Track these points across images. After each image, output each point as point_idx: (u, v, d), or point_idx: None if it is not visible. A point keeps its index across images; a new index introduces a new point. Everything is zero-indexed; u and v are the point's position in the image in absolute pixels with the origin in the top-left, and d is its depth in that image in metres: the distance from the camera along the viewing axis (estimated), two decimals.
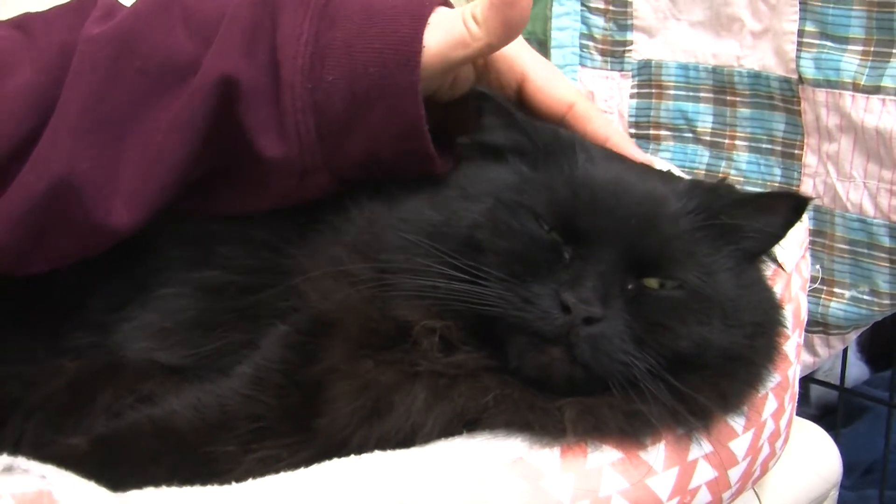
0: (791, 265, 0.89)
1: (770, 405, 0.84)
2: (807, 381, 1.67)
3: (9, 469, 0.54)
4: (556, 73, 0.86)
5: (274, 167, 0.80)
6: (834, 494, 1.17)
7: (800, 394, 1.73)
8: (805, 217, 0.91)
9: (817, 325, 1.37)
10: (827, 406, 1.78)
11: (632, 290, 0.72)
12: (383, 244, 0.76)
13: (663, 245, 0.72)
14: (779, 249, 0.81)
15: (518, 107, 0.83)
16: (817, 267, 1.30)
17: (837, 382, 1.59)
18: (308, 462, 0.70)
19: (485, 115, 0.80)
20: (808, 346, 1.41)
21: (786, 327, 0.81)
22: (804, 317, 0.91)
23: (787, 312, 0.87)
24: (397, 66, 0.76)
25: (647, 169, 0.81)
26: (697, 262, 0.73)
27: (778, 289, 0.86)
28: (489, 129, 0.80)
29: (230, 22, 0.78)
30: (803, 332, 0.93)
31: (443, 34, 0.77)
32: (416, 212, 0.77)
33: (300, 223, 0.84)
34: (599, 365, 0.70)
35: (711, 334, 0.72)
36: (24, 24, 0.79)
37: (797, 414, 1.02)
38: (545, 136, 0.78)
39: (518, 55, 0.84)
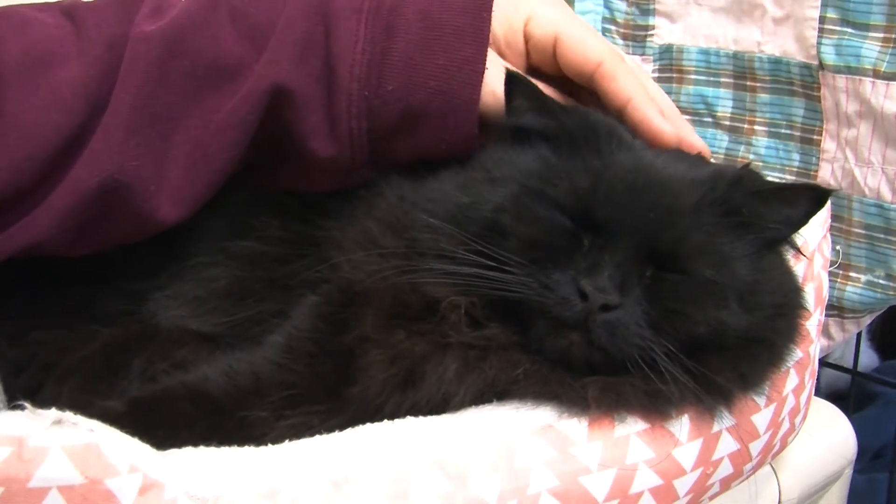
0: (813, 244, 0.89)
1: (791, 381, 0.85)
2: (819, 364, 1.67)
3: (58, 422, 0.55)
4: (588, 31, 0.85)
5: (321, 165, 0.82)
6: (848, 472, 1.18)
7: None
8: (833, 185, 0.92)
9: (832, 308, 1.37)
10: (837, 392, 1.77)
11: (649, 277, 0.73)
12: (412, 222, 0.77)
13: (680, 239, 0.73)
14: (800, 232, 0.82)
15: (549, 75, 0.84)
16: (837, 248, 1.30)
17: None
18: (340, 428, 0.71)
19: (515, 97, 0.80)
20: (823, 330, 1.41)
21: (807, 309, 0.82)
22: (825, 295, 0.92)
23: (809, 290, 0.88)
24: (460, 84, 0.78)
25: (675, 155, 0.81)
26: (715, 252, 0.73)
27: (800, 268, 0.87)
28: (519, 112, 0.80)
29: (283, 31, 0.79)
30: (824, 311, 0.93)
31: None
32: (443, 192, 0.78)
33: (333, 197, 0.85)
34: (617, 349, 0.71)
35: (729, 318, 0.73)
36: (73, 13, 0.79)
37: None
38: (574, 122, 0.78)
39: (551, 16, 0.84)
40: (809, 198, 0.77)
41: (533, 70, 0.86)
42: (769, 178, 1.01)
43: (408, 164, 0.83)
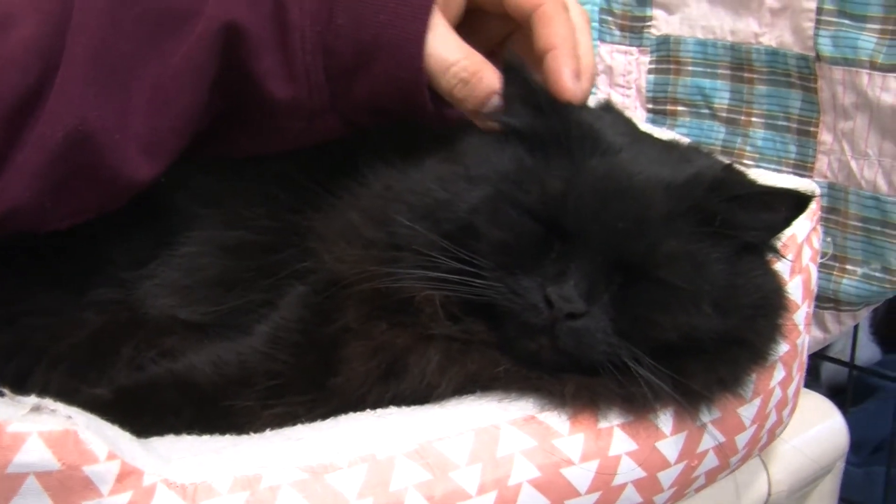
0: (802, 236, 0.90)
1: (778, 374, 0.86)
2: (817, 358, 1.67)
3: (36, 408, 0.55)
4: None
5: (283, 109, 0.82)
6: (840, 465, 1.18)
7: (809, 371, 1.74)
8: (816, 190, 0.92)
9: (829, 301, 1.37)
10: (837, 386, 1.78)
11: (618, 285, 0.73)
12: (391, 218, 0.77)
13: (650, 249, 0.72)
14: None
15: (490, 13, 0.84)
16: (828, 240, 1.30)
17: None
18: (324, 418, 0.72)
19: (506, 84, 0.80)
20: (820, 323, 1.41)
21: (788, 309, 0.81)
22: (814, 287, 0.92)
23: (797, 283, 0.88)
24: (407, 17, 0.78)
25: (659, 152, 0.80)
26: (687, 260, 0.73)
27: (788, 259, 0.87)
28: (507, 101, 0.80)
29: None
30: (813, 303, 0.93)
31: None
32: (424, 185, 0.78)
33: (320, 186, 0.85)
34: (583, 355, 0.71)
35: (703, 323, 0.72)
36: None
37: (807, 388, 1.03)
38: (558, 119, 0.77)
39: None
40: (790, 203, 0.76)
41: (475, 7, 0.86)
42: (764, 170, 1.02)
43: (370, 111, 0.83)
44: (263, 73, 0.80)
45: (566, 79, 0.80)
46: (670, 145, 0.85)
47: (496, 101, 0.80)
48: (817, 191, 0.92)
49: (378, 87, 0.81)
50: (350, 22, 0.79)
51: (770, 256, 0.80)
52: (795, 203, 0.76)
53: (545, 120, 0.77)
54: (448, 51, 0.80)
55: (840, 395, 1.55)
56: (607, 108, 0.89)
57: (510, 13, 0.84)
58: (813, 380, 1.79)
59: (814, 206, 0.91)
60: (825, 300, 1.37)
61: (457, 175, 0.78)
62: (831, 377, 1.84)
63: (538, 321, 0.71)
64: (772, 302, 0.79)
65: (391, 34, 0.79)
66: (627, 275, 0.72)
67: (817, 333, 1.42)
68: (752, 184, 0.78)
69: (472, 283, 0.72)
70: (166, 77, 0.78)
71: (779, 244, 0.81)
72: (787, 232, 0.85)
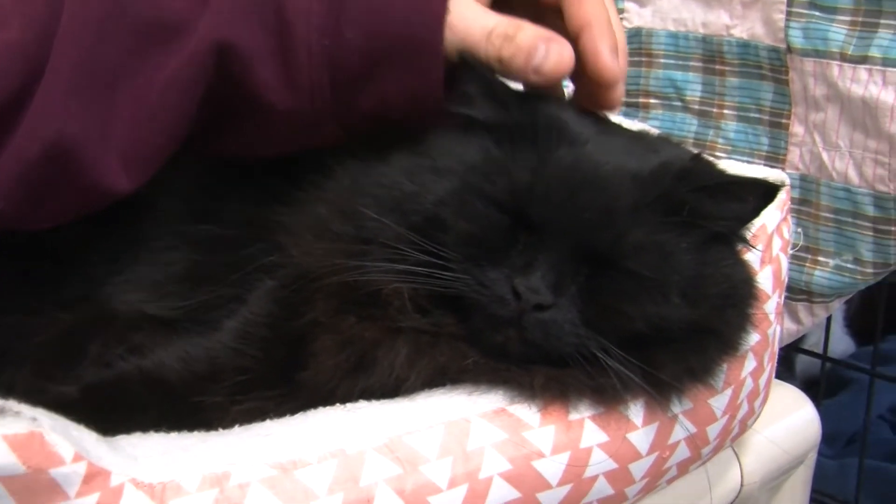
0: (771, 227, 0.90)
1: (749, 364, 0.86)
2: (791, 350, 1.68)
3: (0, 411, 0.54)
4: None
5: (283, 120, 0.81)
6: (813, 456, 1.18)
7: (783, 364, 1.76)
8: (786, 180, 0.92)
9: (801, 293, 1.38)
10: (812, 379, 1.79)
11: (585, 276, 0.73)
12: (360, 208, 0.77)
13: (616, 239, 0.72)
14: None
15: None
16: (798, 231, 1.30)
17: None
18: (293, 413, 0.72)
19: (466, 83, 0.79)
20: (792, 314, 1.42)
21: (757, 298, 0.82)
22: (785, 277, 0.92)
23: (767, 273, 0.88)
24: (422, 27, 0.77)
25: (626, 142, 0.80)
26: (654, 250, 0.73)
27: (759, 249, 0.87)
28: (467, 99, 0.79)
29: None
30: (784, 294, 0.93)
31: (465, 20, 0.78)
32: (391, 178, 0.78)
33: (290, 180, 0.85)
34: (551, 347, 0.71)
35: (670, 313, 0.73)
36: None
37: (780, 379, 1.03)
38: (524, 112, 0.77)
39: None
40: (758, 193, 0.76)
41: None
42: (736, 162, 1.02)
43: (373, 119, 0.82)
44: (263, 87, 0.78)
45: (605, 56, 0.79)
46: (638, 135, 0.85)
47: (542, 50, 0.77)
48: (787, 181, 0.92)
49: (388, 96, 0.79)
50: (360, 35, 0.77)
51: (739, 246, 0.81)
52: (764, 193, 0.76)
53: (509, 113, 0.77)
54: (484, 17, 0.78)
55: (814, 387, 1.56)
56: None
57: None
58: (787, 372, 1.80)
59: (783, 197, 0.91)
60: (798, 291, 1.38)
61: (424, 167, 0.77)
62: (805, 369, 1.85)
63: (506, 313, 0.71)
64: (741, 292, 0.79)
65: (404, 45, 0.77)
66: (595, 265, 0.72)
67: (790, 325, 1.43)
68: (720, 173, 0.78)
69: (440, 276, 0.72)
70: (153, 92, 0.77)
71: (748, 234, 0.82)
72: (757, 222, 0.86)
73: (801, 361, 1.82)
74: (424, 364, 0.73)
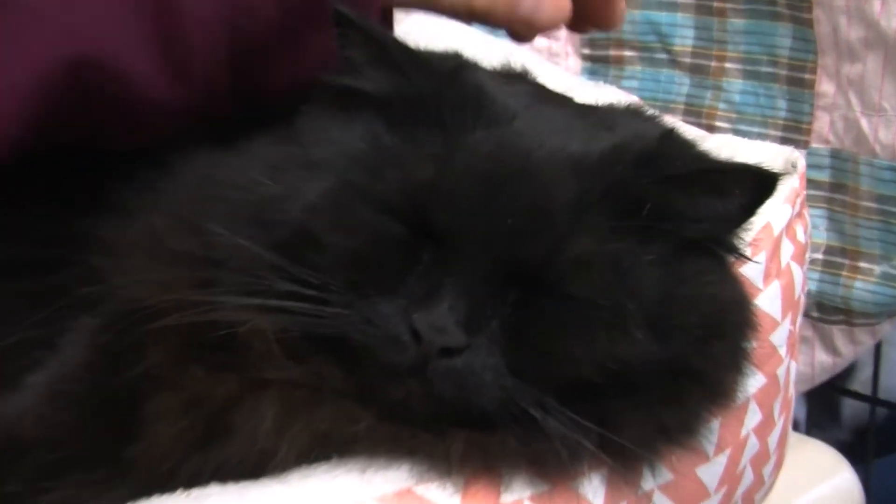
0: (779, 226, 0.91)
1: (752, 417, 0.88)
2: (833, 391, 1.69)
3: None
4: None
5: (163, 109, 0.82)
6: None
7: (824, 410, 1.77)
8: (800, 161, 0.94)
9: (837, 312, 1.39)
10: (864, 427, 1.80)
11: (512, 304, 0.73)
12: (207, 218, 0.77)
13: (553, 252, 0.72)
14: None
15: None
16: (819, 228, 1.32)
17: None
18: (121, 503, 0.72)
19: (347, 46, 0.80)
20: (826, 342, 1.43)
21: (752, 328, 0.82)
22: (799, 295, 0.93)
23: (774, 291, 0.90)
24: None
25: (563, 123, 0.80)
26: (606, 265, 0.73)
27: (761, 259, 0.89)
28: (350, 67, 0.80)
29: None
30: (799, 317, 0.95)
31: None
32: (248, 176, 0.78)
33: (115, 178, 0.85)
34: (467, 403, 0.71)
35: (630, 350, 0.73)
36: None
37: (820, 436, 1.04)
38: (428, 81, 0.78)
39: None
40: (749, 185, 0.76)
41: None
42: (741, 139, 1.04)
43: (214, 126, 0.83)
44: (138, 85, 0.81)
45: None
46: (587, 108, 0.86)
47: None
48: (800, 161, 0.93)
49: (310, 66, 0.82)
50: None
51: (729, 257, 0.82)
52: (757, 185, 0.77)
53: (408, 83, 0.78)
54: None
55: (865, 439, 1.57)
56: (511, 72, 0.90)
57: None
58: (830, 420, 1.82)
59: (795, 185, 0.93)
60: (832, 311, 1.39)
61: (292, 160, 0.78)
62: (857, 415, 1.86)
63: (404, 360, 0.70)
64: (732, 318, 0.80)
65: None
66: (524, 290, 0.73)
67: (824, 357, 1.44)
68: (695, 158, 0.80)
69: (315, 312, 0.72)
70: None
71: (742, 240, 0.82)
72: (758, 221, 0.87)
73: (849, 406, 1.84)
74: (299, 430, 0.73)
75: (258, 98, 0.84)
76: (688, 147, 0.82)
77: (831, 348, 1.44)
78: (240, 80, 0.82)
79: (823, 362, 1.45)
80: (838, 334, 1.43)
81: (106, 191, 0.84)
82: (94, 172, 0.87)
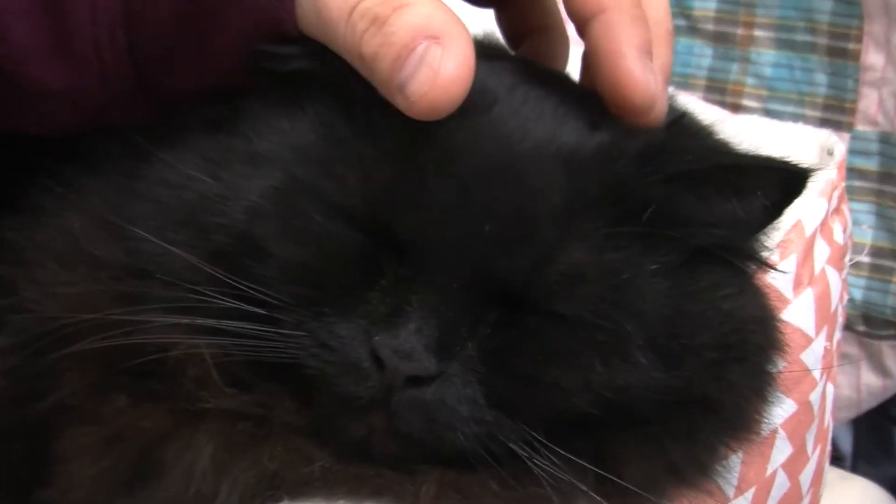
0: (813, 224, 0.91)
1: (780, 451, 0.87)
2: (882, 418, 1.70)
3: None
4: None
5: (57, 98, 0.82)
6: None
7: (873, 441, 1.78)
8: (837, 147, 0.93)
9: (887, 325, 1.39)
10: None
11: (492, 325, 0.72)
12: (129, 222, 0.76)
13: (539, 267, 0.71)
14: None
15: None
16: (864, 227, 1.32)
17: None
18: None
19: None
20: (874, 361, 1.43)
21: (777, 348, 0.81)
22: (837, 306, 0.93)
23: (807, 301, 0.90)
24: None
25: (552, 109, 0.78)
26: (602, 279, 0.72)
27: (791, 264, 0.89)
28: (288, 48, 0.78)
29: None
30: (837, 332, 0.94)
31: None
32: (181, 172, 0.77)
33: (27, 172, 0.85)
34: (439, 441, 0.71)
35: (632, 377, 0.72)
36: None
37: (869, 472, 1.03)
38: None
39: None
40: (773, 184, 0.75)
41: None
42: (770, 121, 1.04)
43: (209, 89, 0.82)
44: (16, 50, 0.80)
45: (630, 61, 0.77)
46: (582, 91, 0.84)
47: (416, 57, 0.72)
48: (837, 147, 0.93)
49: (222, 63, 0.81)
50: None
51: (749, 267, 0.81)
52: (781, 182, 0.75)
53: None
54: None
55: None
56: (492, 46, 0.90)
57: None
58: (881, 452, 1.82)
59: (832, 175, 0.93)
60: (880, 324, 1.39)
61: (234, 153, 0.77)
62: None
63: (364, 391, 0.69)
64: (751, 338, 0.78)
65: None
66: (505, 308, 0.72)
67: (871, 379, 1.45)
68: (710, 151, 0.79)
69: (260, 334, 0.71)
70: None
71: (764, 245, 0.81)
72: (787, 219, 0.86)
73: None
74: (242, 470, 0.71)
75: (169, 99, 0.83)
76: (701, 137, 0.81)
77: (880, 368, 1.44)
78: (145, 75, 0.81)
79: (871, 385, 1.45)
80: (888, 351, 1.42)
81: (11, 186, 0.83)
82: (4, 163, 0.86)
